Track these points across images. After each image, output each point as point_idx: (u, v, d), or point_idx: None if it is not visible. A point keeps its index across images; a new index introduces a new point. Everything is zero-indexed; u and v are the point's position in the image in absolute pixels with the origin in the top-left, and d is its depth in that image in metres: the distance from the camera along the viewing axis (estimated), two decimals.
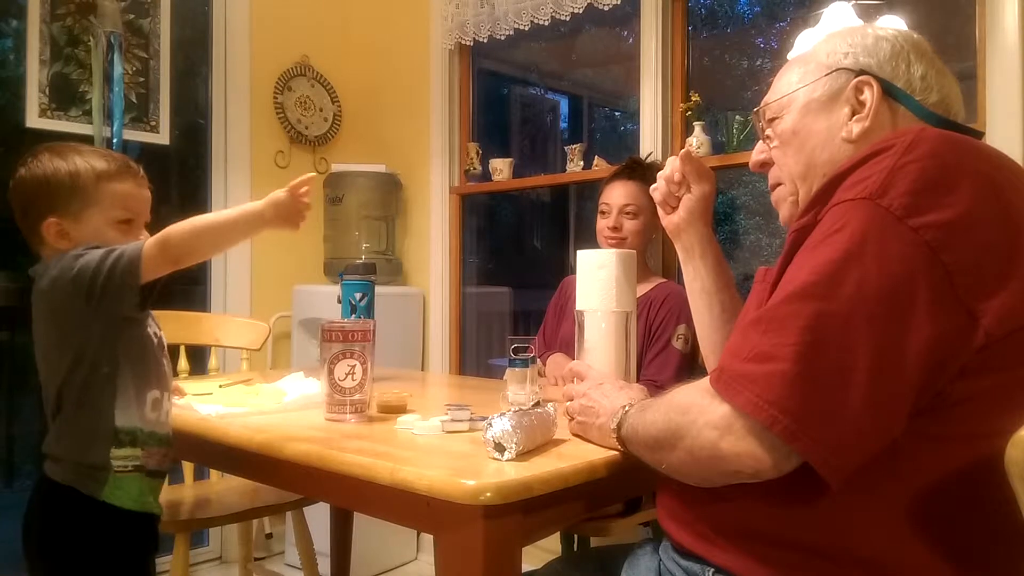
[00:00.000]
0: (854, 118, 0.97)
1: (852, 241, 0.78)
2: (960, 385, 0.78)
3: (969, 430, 0.80)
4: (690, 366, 2.06)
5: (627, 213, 2.16)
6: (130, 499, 1.24)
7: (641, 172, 2.20)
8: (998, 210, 0.79)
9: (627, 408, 1.04)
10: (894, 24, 1.94)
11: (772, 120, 1.06)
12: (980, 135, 0.99)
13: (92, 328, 1.21)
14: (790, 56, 1.94)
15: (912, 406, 0.77)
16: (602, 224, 2.20)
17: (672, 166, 1.30)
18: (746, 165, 2.32)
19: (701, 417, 0.84)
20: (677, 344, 2.05)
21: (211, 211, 2.94)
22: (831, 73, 0.99)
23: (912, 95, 0.97)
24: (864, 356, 0.75)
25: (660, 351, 2.05)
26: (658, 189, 1.33)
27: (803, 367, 0.76)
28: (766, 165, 1.09)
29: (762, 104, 1.08)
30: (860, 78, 0.97)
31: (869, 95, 0.96)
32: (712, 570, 0.91)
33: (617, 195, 2.18)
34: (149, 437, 1.28)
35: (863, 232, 0.78)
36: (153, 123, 2.79)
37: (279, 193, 1.25)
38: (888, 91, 0.96)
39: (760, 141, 1.11)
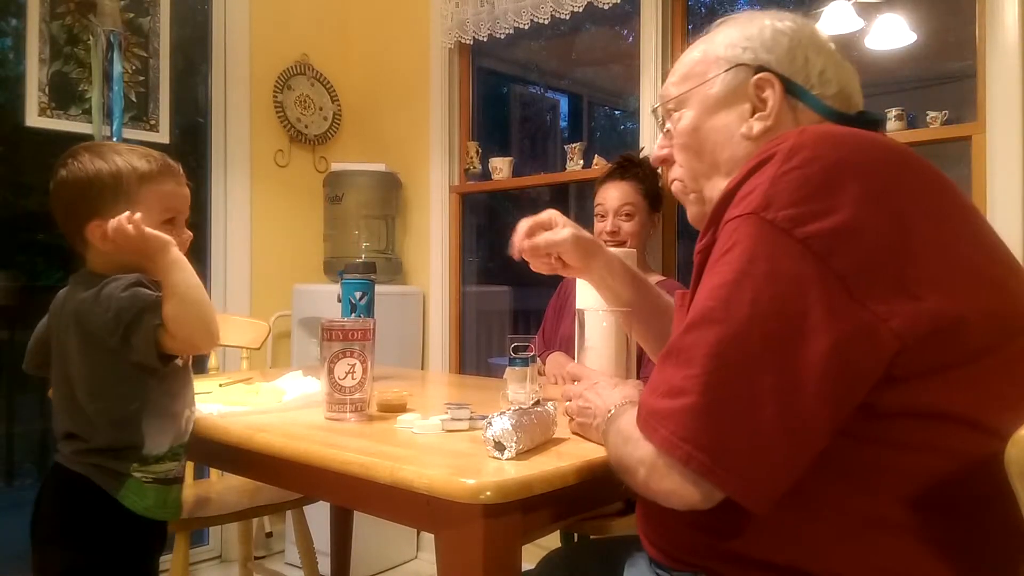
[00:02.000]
0: (756, 115, 0.96)
1: (742, 260, 0.77)
2: (889, 393, 0.76)
3: (910, 441, 0.78)
4: None
5: (624, 215, 2.16)
6: (143, 506, 1.25)
7: (634, 171, 2.20)
8: (885, 208, 0.77)
9: (611, 412, 1.03)
10: (893, 23, 1.94)
11: (671, 113, 1.04)
12: (878, 121, 0.97)
13: (126, 366, 1.21)
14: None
15: (837, 419, 0.76)
16: (599, 227, 2.20)
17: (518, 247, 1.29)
18: None
19: (635, 452, 0.83)
20: None
21: (210, 210, 2.95)
22: (730, 69, 0.98)
23: (811, 90, 0.96)
24: (768, 376, 0.74)
25: None
26: (543, 266, 1.32)
27: (710, 398, 0.75)
28: (667, 161, 1.07)
29: (659, 100, 1.07)
30: (760, 76, 0.95)
31: (771, 94, 0.95)
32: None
33: (612, 197, 2.18)
34: (183, 447, 1.31)
35: (752, 249, 0.77)
36: (153, 122, 2.79)
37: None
38: (788, 89, 0.95)
39: (662, 136, 1.09)
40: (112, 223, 1.19)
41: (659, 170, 2.33)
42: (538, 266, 1.31)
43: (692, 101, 1.01)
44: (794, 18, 1.00)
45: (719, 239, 0.82)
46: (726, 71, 0.98)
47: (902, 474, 0.79)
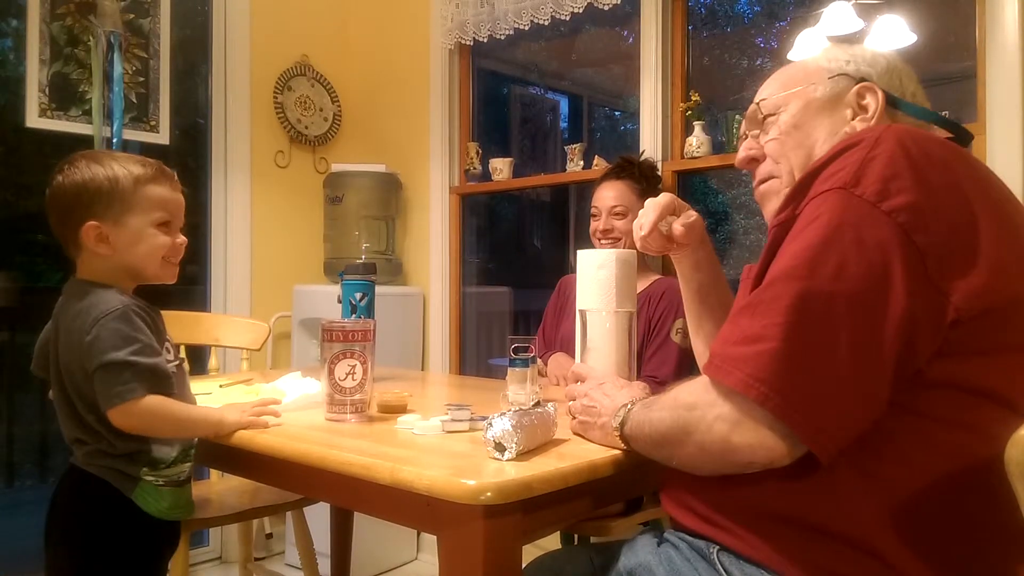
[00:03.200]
0: (858, 118, 1.01)
1: (830, 227, 0.82)
2: (938, 366, 0.81)
3: (949, 416, 0.82)
4: (689, 360, 2.06)
5: (616, 214, 2.17)
6: (157, 508, 1.26)
7: (630, 171, 2.21)
8: (958, 196, 0.83)
9: (629, 406, 1.05)
10: (893, 24, 1.94)
11: (769, 116, 1.08)
12: (970, 137, 1.03)
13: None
14: (790, 56, 1.95)
15: (894, 384, 0.80)
16: (593, 227, 2.22)
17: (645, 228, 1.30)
18: None
19: (710, 411, 0.86)
20: (676, 338, 2.05)
21: (210, 213, 2.95)
22: (833, 77, 1.04)
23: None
24: (846, 332, 0.79)
25: (660, 346, 2.06)
26: (649, 248, 1.33)
27: (790, 345, 0.80)
28: (755, 161, 1.11)
29: (761, 98, 1.10)
30: (863, 84, 1.02)
31: (872, 100, 1.01)
32: (717, 548, 0.93)
33: (605, 197, 2.19)
34: (194, 447, 1.33)
35: (840, 218, 0.82)
36: (153, 123, 2.79)
37: (243, 417, 1.26)
38: (890, 100, 1.01)
39: (747, 139, 1.13)
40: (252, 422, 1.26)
41: (658, 169, 2.33)
42: (654, 244, 1.32)
43: (794, 103, 1.06)
44: (889, 52, 1.09)
45: (804, 212, 0.86)
46: (829, 78, 1.04)
47: (937, 449, 0.82)
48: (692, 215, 1.30)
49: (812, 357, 0.79)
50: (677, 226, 1.29)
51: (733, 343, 0.84)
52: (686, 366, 2.04)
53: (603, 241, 2.18)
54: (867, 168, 0.82)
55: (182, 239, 1.33)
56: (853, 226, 0.81)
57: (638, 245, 1.33)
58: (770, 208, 1.09)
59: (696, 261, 1.34)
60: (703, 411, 0.87)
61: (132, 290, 1.30)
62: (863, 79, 1.02)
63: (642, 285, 2.12)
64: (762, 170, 1.11)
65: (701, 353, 1.37)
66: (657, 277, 2.21)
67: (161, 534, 1.30)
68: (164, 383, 1.23)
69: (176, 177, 1.33)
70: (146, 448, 1.25)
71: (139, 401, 1.18)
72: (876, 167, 0.82)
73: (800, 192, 0.88)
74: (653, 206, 1.30)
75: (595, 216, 2.22)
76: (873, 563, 0.82)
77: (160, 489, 1.26)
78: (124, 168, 1.26)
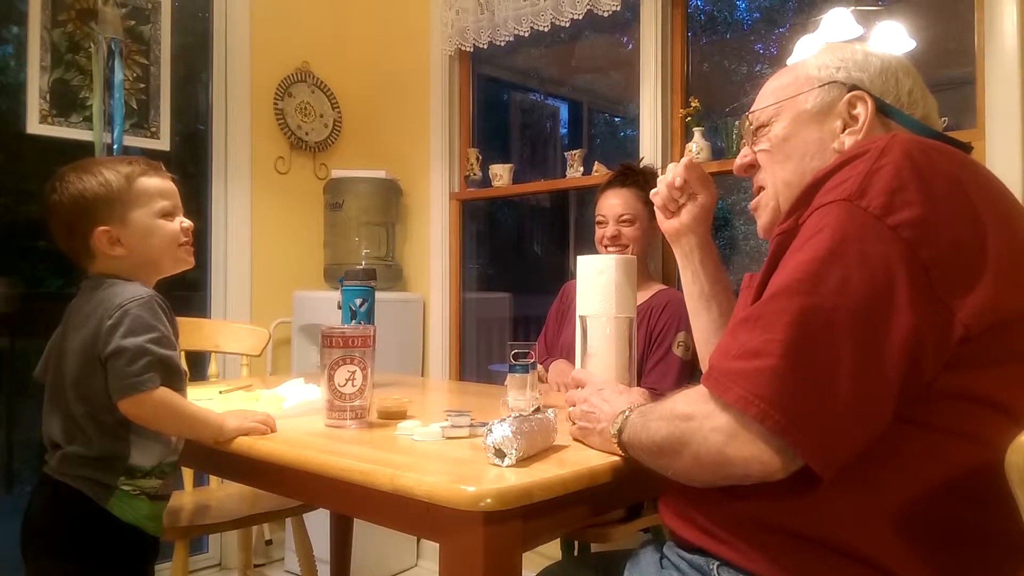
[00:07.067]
0: (847, 131, 1.00)
1: (834, 240, 0.81)
2: (945, 378, 0.80)
3: (955, 427, 0.81)
4: (691, 373, 2.06)
5: (624, 222, 2.17)
6: (134, 516, 1.26)
7: (635, 178, 2.21)
8: (965, 208, 0.82)
9: (627, 413, 1.04)
10: (892, 30, 1.94)
11: (760, 127, 1.08)
12: (969, 148, 1.01)
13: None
14: (789, 62, 1.95)
15: (898, 399, 0.79)
16: (600, 234, 2.21)
17: (674, 172, 1.30)
18: None
19: (707, 423, 0.85)
20: (677, 351, 2.04)
21: (210, 219, 2.96)
22: (823, 86, 1.02)
23: (902, 109, 1.00)
24: (849, 350, 0.78)
25: (661, 359, 2.05)
26: (659, 194, 1.33)
27: (791, 362, 0.78)
28: (752, 168, 1.11)
29: (751, 110, 1.10)
30: (853, 93, 1.00)
31: (863, 110, 0.99)
32: (717, 564, 0.92)
33: (612, 204, 2.19)
34: (171, 466, 1.33)
35: (844, 232, 0.81)
36: (153, 129, 2.79)
37: (244, 423, 1.26)
38: (880, 107, 0.99)
39: (745, 146, 1.13)
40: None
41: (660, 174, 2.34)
42: (663, 205, 1.33)
43: (784, 115, 1.05)
44: (884, 48, 1.06)
45: (808, 223, 0.85)
46: (819, 87, 1.02)
47: (940, 460, 0.82)
48: (706, 197, 1.31)
49: (813, 375, 0.78)
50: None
51: (732, 357, 0.83)
52: (687, 379, 2.04)
53: (610, 248, 2.18)
54: (872, 180, 0.81)
55: (188, 223, 1.37)
56: (857, 240, 0.80)
57: (661, 188, 1.33)
58: (761, 221, 1.10)
59: (688, 247, 1.34)
60: (699, 422, 0.86)
61: (153, 286, 1.33)
62: (855, 86, 1.00)
63: (644, 296, 2.12)
64: (757, 179, 1.11)
65: (702, 335, 1.36)
66: (659, 288, 2.20)
67: (138, 544, 1.29)
68: (175, 377, 1.25)
69: (163, 167, 1.37)
70: (124, 453, 1.24)
71: (153, 392, 1.19)
72: (882, 179, 0.81)
73: (804, 202, 0.87)
74: (696, 166, 1.30)
75: (601, 223, 2.21)
76: (876, 575, 0.82)
77: (137, 498, 1.26)
78: (112, 170, 1.29)
